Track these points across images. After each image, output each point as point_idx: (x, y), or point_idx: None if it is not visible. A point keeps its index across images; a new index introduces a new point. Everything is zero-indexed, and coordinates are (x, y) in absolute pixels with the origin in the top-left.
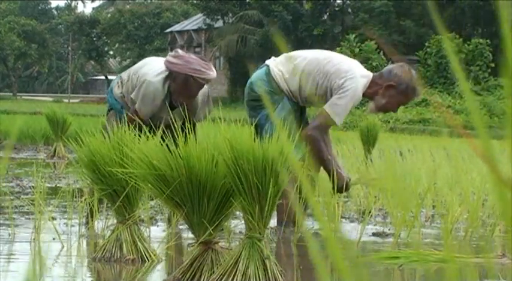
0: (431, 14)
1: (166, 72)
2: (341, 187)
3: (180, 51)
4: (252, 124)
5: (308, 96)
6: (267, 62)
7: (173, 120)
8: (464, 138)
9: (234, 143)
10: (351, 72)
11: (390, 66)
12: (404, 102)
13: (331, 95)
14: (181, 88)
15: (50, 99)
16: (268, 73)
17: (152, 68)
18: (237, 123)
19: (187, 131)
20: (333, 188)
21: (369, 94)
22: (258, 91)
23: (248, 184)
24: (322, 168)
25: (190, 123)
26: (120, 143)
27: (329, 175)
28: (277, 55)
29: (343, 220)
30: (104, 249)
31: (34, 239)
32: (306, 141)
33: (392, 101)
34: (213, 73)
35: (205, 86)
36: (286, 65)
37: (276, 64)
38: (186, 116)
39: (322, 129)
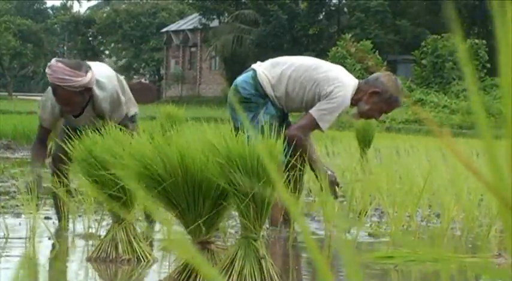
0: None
1: None
2: (331, 186)
3: (53, 60)
4: (234, 126)
5: (294, 102)
6: (253, 66)
7: (85, 127)
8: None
9: (229, 143)
10: (339, 80)
11: (377, 74)
12: (386, 110)
13: (319, 101)
14: (55, 97)
15: None
16: (254, 77)
17: None
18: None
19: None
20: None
21: (354, 101)
22: (242, 93)
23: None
24: (309, 167)
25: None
26: (114, 143)
27: (315, 174)
28: (273, 56)
29: None
30: (100, 249)
31: (29, 239)
32: (290, 140)
33: (375, 107)
34: (80, 79)
35: (111, 91)
36: (273, 71)
37: (263, 69)
38: (98, 121)
39: (306, 131)
